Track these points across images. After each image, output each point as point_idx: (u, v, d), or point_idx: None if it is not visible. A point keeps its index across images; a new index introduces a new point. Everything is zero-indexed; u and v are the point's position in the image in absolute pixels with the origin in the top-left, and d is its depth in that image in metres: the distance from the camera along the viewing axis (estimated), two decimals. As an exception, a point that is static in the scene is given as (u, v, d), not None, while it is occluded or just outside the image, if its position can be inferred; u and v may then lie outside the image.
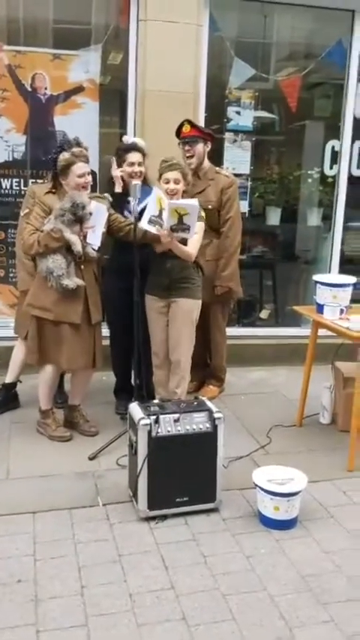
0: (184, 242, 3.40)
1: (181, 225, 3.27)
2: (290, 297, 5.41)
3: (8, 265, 4.61)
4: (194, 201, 3.34)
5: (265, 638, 2.14)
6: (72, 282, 3.27)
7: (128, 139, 3.89)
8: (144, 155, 3.66)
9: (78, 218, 3.23)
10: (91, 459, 3.29)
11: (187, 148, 3.91)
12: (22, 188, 4.49)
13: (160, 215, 3.27)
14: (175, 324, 3.55)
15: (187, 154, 3.92)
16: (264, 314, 5.36)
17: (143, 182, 3.58)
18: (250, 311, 5.29)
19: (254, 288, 5.36)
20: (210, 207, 3.91)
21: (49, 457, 3.32)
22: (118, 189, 3.64)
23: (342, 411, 3.73)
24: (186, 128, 3.91)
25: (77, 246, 3.26)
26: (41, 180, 4.21)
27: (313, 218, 5.40)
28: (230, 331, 4.44)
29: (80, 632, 2.13)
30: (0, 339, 4.34)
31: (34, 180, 4.44)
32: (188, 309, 3.55)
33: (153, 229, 3.30)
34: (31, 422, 3.64)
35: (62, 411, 3.71)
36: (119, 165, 3.66)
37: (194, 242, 3.45)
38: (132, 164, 3.61)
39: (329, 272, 5.03)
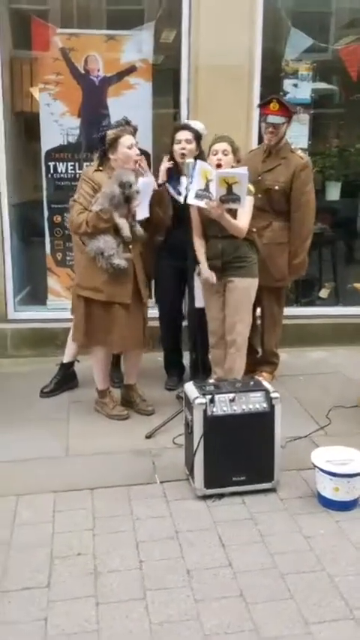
0: (233, 214, 3.30)
1: (230, 195, 3.17)
2: (351, 276, 5.22)
3: (65, 249, 4.68)
4: (243, 169, 3.20)
5: (324, 619, 2.09)
6: (122, 260, 3.26)
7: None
8: (196, 135, 3.61)
9: (126, 197, 3.21)
10: (147, 437, 3.31)
11: (270, 129, 3.69)
12: (77, 172, 4.53)
13: (206, 188, 3.19)
14: (231, 303, 3.49)
15: (270, 134, 3.72)
16: (324, 293, 5.20)
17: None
18: (309, 290, 5.15)
19: (313, 267, 5.18)
20: (277, 187, 3.71)
21: (106, 435, 3.37)
22: (160, 180, 3.60)
23: None
24: (274, 106, 3.65)
25: (125, 231, 3.24)
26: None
27: (375, 193, 5.19)
28: (289, 311, 4.33)
29: (139, 606, 2.15)
30: (58, 320, 4.44)
31: (87, 164, 4.47)
32: (245, 287, 3.48)
33: (201, 203, 3.24)
34: (89, 401, 3.70)
35: (119, 390, 3.75)
36: (170, 145, 3.66)
37: (244, 216, 3.33)
38: (179, 142, 3.59)
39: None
